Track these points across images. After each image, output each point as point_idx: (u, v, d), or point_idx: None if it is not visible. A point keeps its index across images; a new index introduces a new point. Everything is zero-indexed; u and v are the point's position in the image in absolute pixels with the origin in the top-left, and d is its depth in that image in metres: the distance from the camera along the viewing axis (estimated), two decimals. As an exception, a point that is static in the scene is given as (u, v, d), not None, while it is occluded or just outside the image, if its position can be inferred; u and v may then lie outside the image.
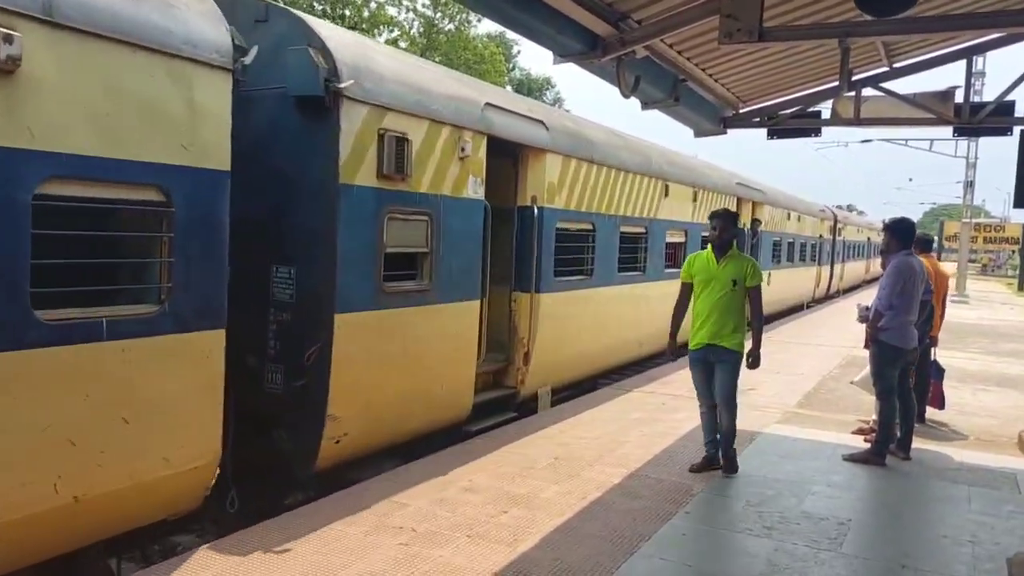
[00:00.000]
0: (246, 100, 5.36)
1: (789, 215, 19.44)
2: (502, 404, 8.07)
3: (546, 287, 8.26)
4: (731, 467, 6.21)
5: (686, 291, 6.27)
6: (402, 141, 5.94)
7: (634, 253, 10.72)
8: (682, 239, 12.32)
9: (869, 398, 7.57)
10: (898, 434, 6.87)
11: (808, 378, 10.69)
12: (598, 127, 10.41)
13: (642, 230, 10.85)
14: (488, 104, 7.18)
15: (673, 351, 6.41)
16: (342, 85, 5.37)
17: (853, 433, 7.62)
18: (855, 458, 6.74)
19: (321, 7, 30.57)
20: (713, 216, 6.18)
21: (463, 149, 6.68)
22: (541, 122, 8.16)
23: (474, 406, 7.31)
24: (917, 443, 7.04)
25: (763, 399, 9.13)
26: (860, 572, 4.52)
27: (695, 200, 12.65)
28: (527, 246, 8.05)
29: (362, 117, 5.62)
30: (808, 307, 22.70)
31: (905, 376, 6.83)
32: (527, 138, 7.89)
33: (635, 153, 10.65)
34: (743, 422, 7.93)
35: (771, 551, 4.74)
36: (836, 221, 26.71)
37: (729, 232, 6.10)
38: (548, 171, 8.19)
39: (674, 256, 11.99)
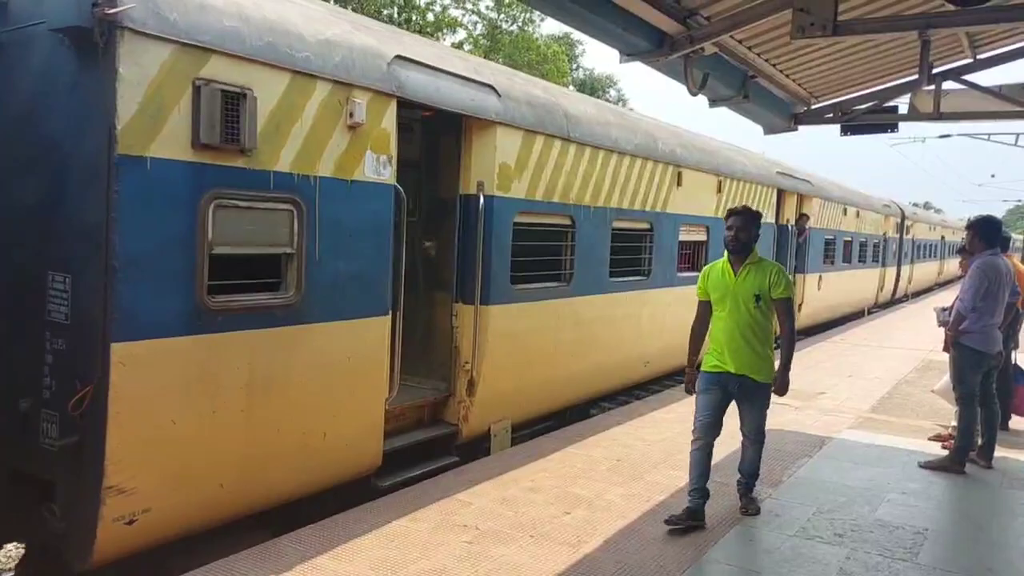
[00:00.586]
0: (4, 45, 4.32)
1: (845, 210, 17.41)
2: (442, 445, 6.47)
3: (498, 297, 6.61)
4: (752, 505, 5.27)
5: (703, 311, 5.23)
6: (238, 97, 4.30)
7: (635, 254, 8.95)
8: (703, 237, 10.44)
9: (945, 402, 7.27)
10: (979, 441, 6.59)
11: (882, 382, 10.33)
12: (582, 98, 8.66)
13: (646, 226, 9.02)
14: (400, 57, 5.54)
15: (694, 384, 5.24)
16: (115, 10, 3.82)
17: (930, 439, 7.34)
18: (932, 465, 6.49)
19: (388, 12, 31.09)
20: (730, 214, 5.11)
21: (352, 115, 5.05)
22: (489, 86, 6.44)
23: (389, 453, 5.73)
24: (1000, 451, 6.73)
25: (834, 403, 8.87)
26: (938, 585, 4.36)
27: (720, 191, 10.66)
28: (471, 245, 6.42)
29: (161, 61, 4.04)
30: (869, 313, 20.82)
31: (988, 381, 6.55)
32: (467, 106, 6.14)
33: (634, 132, 8.75)
34: (814, 426, 7.78)
35: (843, 559, 4.60)
36: (904, 218, 24.44)
37: (748, 233, 5.02)
38: (500, 150, 6.48)
39: (692, 258, 10.32)
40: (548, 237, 7.43)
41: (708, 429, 5.01)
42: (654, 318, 9.26)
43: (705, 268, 5.32)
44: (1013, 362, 7.64)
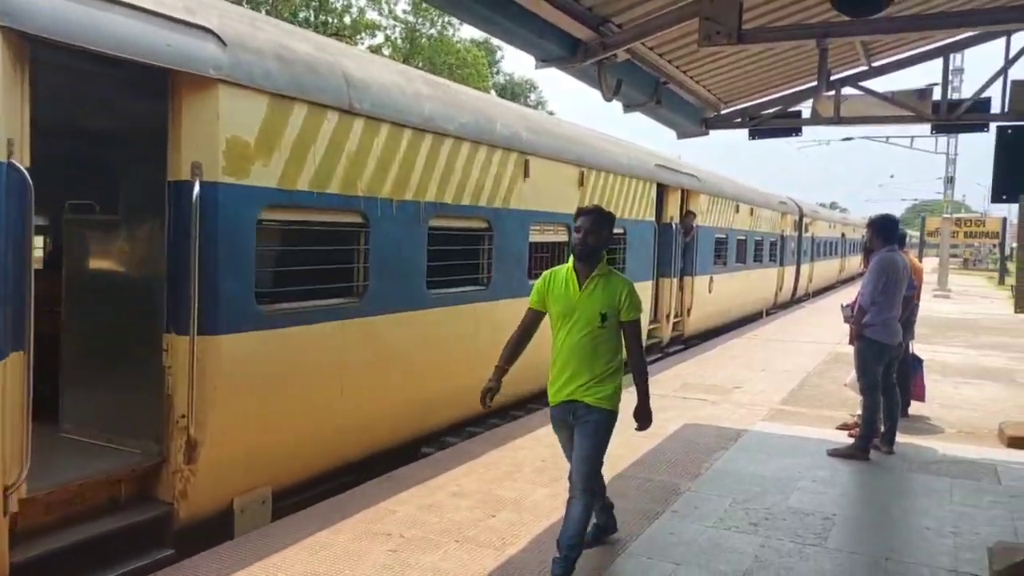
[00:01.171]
0: None
1: (738, 207, 16.55)
2: (153, 533, 4.63)
3: (234, 323, 4.90)
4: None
5: (531, 319, 4.45)
6: None
7: (468, 259, 7.50)
8: (562, 238, 9.00)
9: (855, 394, 7.65)
10: (882, 428, 6.95)
11: (793, 375, 10.77)
12: (378, 61, 7.05)
13: (482, 225, 7.55)
14: None
15: (490, 390, 4.38)
16: None
17: (837, 428, 7.70)
18: (839, 453, 6.81)
19: (304, 14, 30.55)
20: (579, 213, 4.32)
21: None
22: (206, 30, 4.67)
23: (25, 564, 3.94)
24: (900, 437, 7.11)
25: (749, 397, 9.19)
26: (845, 566, 4.57)
27: (582, 184, 9.28)
28: (183, 252, 4.67)
29: None
30: (768, 315, 20.04)
31: (889, 371, 6.92)
32: (162, 54, 4.36)
33: (459, 109, 7.11)
34: (729, 419, 8.04)
35: (757, 547, 4.78)
36: (802, 215, 24.17)
37: (599, 237, 4.25)
38: (228, 119, 4.76)
39: (549, 261, 8.63)
40: (326, 240, 5.76)
41: None
42: (497, 336, 7.71)
43: (546, 273, 4.46)
44: (911, 352, 8.10)
